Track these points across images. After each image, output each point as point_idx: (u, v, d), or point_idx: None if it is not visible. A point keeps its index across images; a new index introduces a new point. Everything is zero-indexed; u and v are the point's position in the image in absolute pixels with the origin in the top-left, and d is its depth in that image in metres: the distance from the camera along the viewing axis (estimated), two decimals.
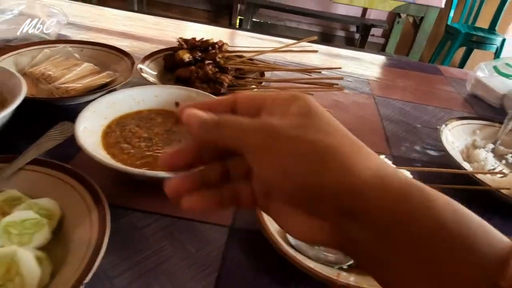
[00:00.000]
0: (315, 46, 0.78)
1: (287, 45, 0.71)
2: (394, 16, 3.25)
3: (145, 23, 1.09)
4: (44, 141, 0.47)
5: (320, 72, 0.74)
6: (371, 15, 3.54)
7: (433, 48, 3.15)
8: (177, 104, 0.59)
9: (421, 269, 0.21)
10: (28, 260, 0.33)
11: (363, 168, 0.23)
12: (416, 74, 1.07)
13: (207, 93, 0.60)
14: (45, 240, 0.37)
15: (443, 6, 2.34)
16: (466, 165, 0.61)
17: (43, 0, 0.89)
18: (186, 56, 0.74)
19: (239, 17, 3.54)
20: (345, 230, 0.23)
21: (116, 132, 0.52)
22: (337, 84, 0.67)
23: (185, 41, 0.76)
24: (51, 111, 0.62)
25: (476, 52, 3.19)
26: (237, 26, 3.41)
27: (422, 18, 2.40)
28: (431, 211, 0.22)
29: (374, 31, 3.52)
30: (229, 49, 0.78)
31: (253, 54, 0.74)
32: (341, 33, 3.72)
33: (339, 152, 0.23)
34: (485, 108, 0.91)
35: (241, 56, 0.75)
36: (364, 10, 3.54)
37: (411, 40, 2.62)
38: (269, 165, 0.24)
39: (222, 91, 0.68)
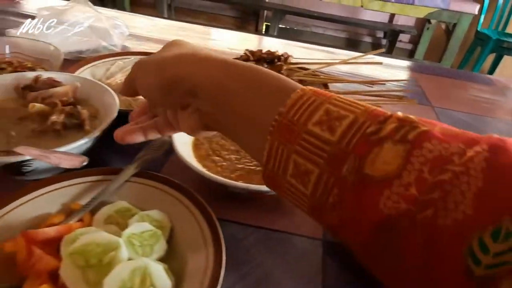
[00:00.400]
0: (377, 58, 0.79)
1: (355, 57, 0.72)
2: (423, 22, 3.23)
3: (196, 33, 1.11)
4: (144, 153, 0.48)
5: (384, 84, 0.74)
6: (399, 21, 3.52)
7: (462, 55, 3.11)
8: None
9: (236, 118, 0.30)
10: (160, 272, 0.34)
11: (193, 64, 0.32)
12: (467, 83, 1.06)
13: None
14: (164, 251, 0.39)
15: (476, 12, 2.32)
16: None
17: (106, 12, 0.92)
18: None
19: (265, 23, 3.56)
20: (197, 108, 0.33)
21: (205, 145, 0.53)
22: (406, 97, 0.68)
23: (252, 52, 0.78)
24: (125, 121, 0.63)
25: (506, 59, 3.14)
26: (263, 32, 3.44)
27: (455, 25, 2.37)
28: (231, 71, 0.31)
29: (401, 37, 3.50)
30: (293, 61, 0.79)
31: (318, 66, 0.75)
32: (367, 39, 3.71)
33: (178, 57, 0.33)
34: None
35: (304, 68, 0.77)
36: (392, 15, 3.52)
37: (442, 47, 2.60)
38: (141, 85, 0.35)
39: None
